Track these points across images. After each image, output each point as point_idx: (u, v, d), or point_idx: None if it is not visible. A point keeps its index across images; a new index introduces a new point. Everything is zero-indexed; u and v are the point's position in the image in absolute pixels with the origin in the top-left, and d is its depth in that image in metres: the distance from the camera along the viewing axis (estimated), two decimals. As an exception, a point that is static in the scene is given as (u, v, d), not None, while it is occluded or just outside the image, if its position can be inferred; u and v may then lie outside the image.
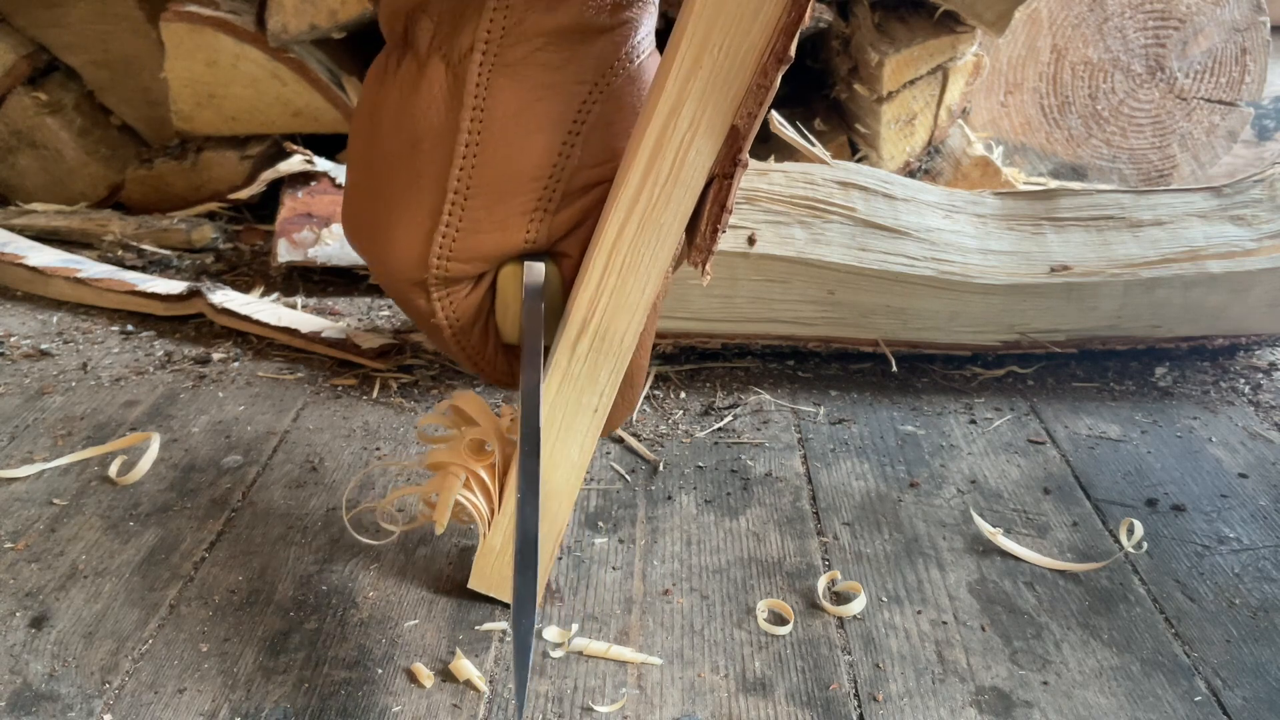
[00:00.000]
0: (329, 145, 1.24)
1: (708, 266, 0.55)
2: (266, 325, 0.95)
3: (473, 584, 0.63)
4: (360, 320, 1.01)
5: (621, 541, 0.70)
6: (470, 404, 0.60)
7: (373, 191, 0.58)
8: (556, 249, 0.58)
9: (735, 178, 0.53)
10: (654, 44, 0.58)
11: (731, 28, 0.49)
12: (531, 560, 0.53)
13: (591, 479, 0.76)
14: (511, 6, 0.53)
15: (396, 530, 0.65)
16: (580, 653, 0.60)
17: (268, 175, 1.16)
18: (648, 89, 0.56)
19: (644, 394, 0.88)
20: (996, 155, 1.26)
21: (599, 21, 0.54)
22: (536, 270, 0.58)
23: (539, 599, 0.62)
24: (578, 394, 0.58)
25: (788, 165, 0.95)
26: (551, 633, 0.61)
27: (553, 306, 0.59)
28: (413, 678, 0.58)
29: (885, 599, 0.65)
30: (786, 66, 0.50)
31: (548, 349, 0.58)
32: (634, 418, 0.85)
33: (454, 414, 0.61)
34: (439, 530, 0.58)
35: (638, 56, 0.56)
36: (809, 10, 0.49)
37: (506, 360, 0.63)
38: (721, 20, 0.49)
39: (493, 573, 0.62)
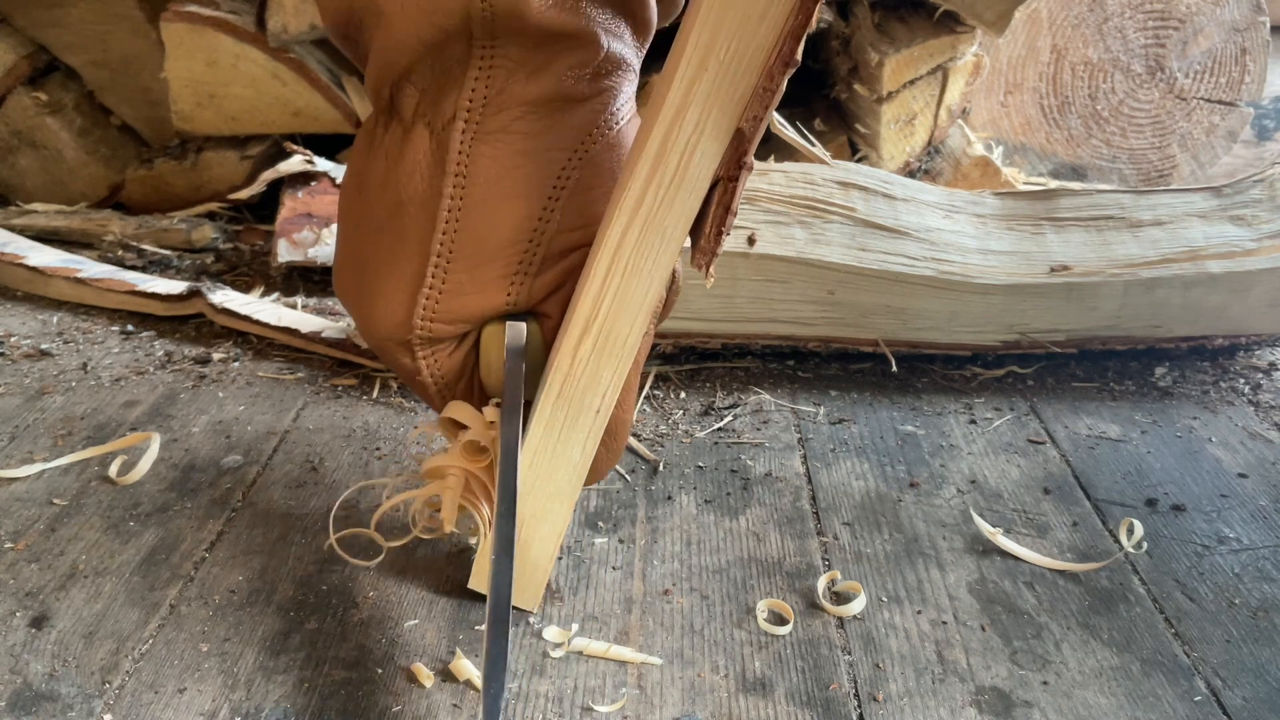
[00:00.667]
0: (329, 145, 1.24)
1: (712, 269, 0.55)
2: (266, 325, 0.95)
3: (473, 584, 0.63)
4: (360, 320, 1.01)
5: (621, 541, 0.70)
6: (462, 412, 0.61)
7: (360, 254, 0.60)
8: (537, 309, 0.60)
9: (740, 180, 0.53)
10: (634, 109, 0.60)
11: (738, 31, 0.49)
12: (504, 623, 0.52)
13: (591, 479, 0.76)
14: (493, 76, 0.55)
15: (388, 545, 0.65)
16: (580, 653, 0.60)
17: (268, 175, 1.16)
18: (627, 154, 0.57)
19: (641, 397, 0.88)
20: (996, 155, 1.26)
21: (578, 90, 0.56)
22: (518, 330, 0.59)
23: (538, 601, 0.62)
24: (580, 394, 0.58)
25: (788, 165, 0.95)
26: (551, 633, 0.61)
27: (534, 365, 0.60)
28: (413, 678, 0.58)
29: (885, 599, 0.65)
30: (793, 70, 0.50)
31: (529, 406, 0.59)
32: (633, 418, 0.85)
33: (446, 425, 0.62)
34: (448, 528, 0.58)
35: (617, 124, 0.58)
36: (815, 14, 0.49)
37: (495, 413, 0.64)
38: (728, 23, 0.49)
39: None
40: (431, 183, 0.57)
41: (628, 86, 0.59)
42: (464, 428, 0.60)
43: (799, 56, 0.49)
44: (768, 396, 0.89)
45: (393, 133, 0.58)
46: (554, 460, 0.59)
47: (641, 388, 0.89)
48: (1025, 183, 1.25)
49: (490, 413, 0.61)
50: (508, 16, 0.53)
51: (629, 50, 0.58)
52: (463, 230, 0.57)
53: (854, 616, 0.63)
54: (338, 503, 0.71)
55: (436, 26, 0.54)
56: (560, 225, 0.58)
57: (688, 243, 0.56)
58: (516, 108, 0.56)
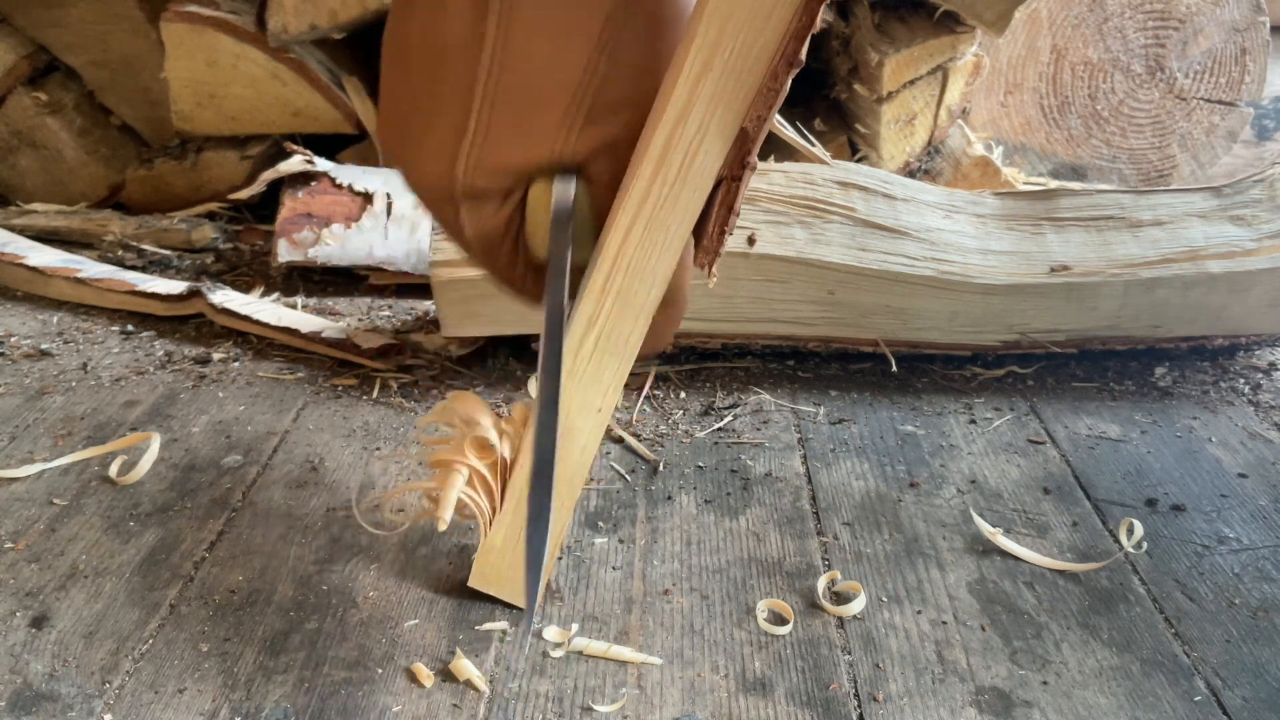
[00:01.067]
0: (329, 145, 1.24)
1: (714, 268, 0.55)
2: (266, 325, 0.95)
3: (473, 582, 0.63)
4: (360, 320, 1.01)
5: (621, 541, 0.70)
6: (469, 404, 0.60)
7: (403, 105, 0.57)
8: (586, 168, 0.57)
9: (743, 180, 0.53)
10: None
11: (743, 31, 0.49)
12: (547, 478, 0.52)
13: (591, 479, 0.76)
14: None
15: (404, 524, 0.65)
16: (580, 653, 0.60)
17: (268, 175, 1.16)
18: (681, 4, 0.54)
19: (642, 397, 0.88)
20: (996, 155, 1.26)
21: None
22: (565, 189, 0.56)
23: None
24: (583, 394, 0.57)
25: (788, 165, 0.95)
26: (551, 633, 0.61)
27: (581, 226, 0.57)
28: (413, 678, 0.58)
29: (885, 599, 0.65)
30: (797, 70, 0.50)
31: (576, 269, 0.57)
32: (634, 418, 0.85)
33: (453, 414, 0.61)
34: (442, 526, 0.58)
35: None
36: (820, 15, 0.49)
37: (537, 279, 0.61)
38: (733, 23, 0.49)
39: (493, 571, 0.62)
40: (473, 26, 0.54)
41: None
42: (471, 420, 0.60)
43: (803, 57, 0.49)
44: (768, 396, 0.89)
45: None
46: (557, 458, 0.59)
47: (641, 388, 0.89)
48: (1025, 183, 1.25)
49: (518, 411, 0.60)
50: None
51: None
52: (505, 76, 0.54)
53: (854, 616, 0.63)
54: (356, 486, 0.71)
55: None
56: (608, 74, 0.54)
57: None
58: None
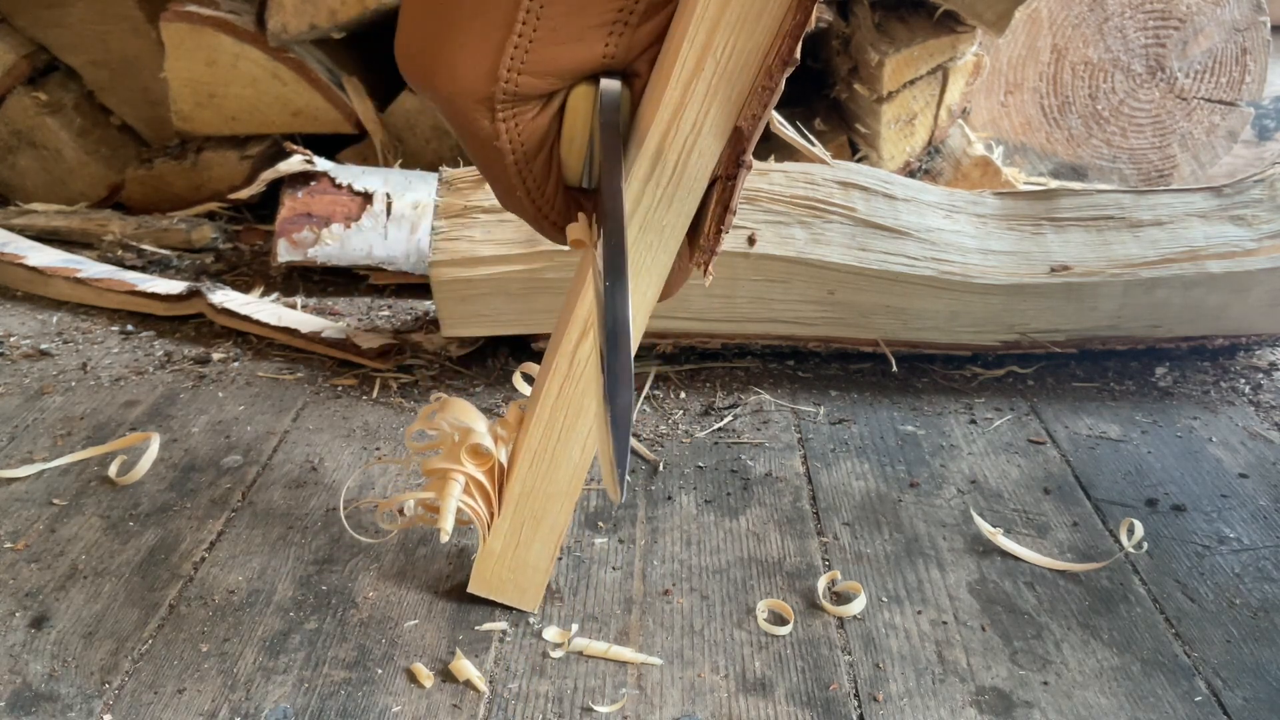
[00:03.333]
0: (329, 145, 1.24)
1: (710, 268, 0.55)
2: (266, 325, 0.95)
3: (473, 588, 0.63)
4: (360, 320, 1.01)
5: (621, 541, 0.70)
6: (460, 410, 0.60)
7: (435, 8, 0.53)
8: (632, 68, 0.54)
9: (739, 179, 0.52)
10: None
11: (735, 30, 0.49)
12: (625, 341, 0.48)
13: (592, 479, 0.76)
14: None
15: (394, 530, 0.65)
16: (580, 653, 0.60)
17: (268, 175, 1.15)
18: None
19: (642, 397, 0.88)
20: (996, 155, 1.26)
21: None
22: (613, 88, 0.53)
23: (538, 601, 0.62)
24: (579, 395, 0.57)
25: (788, 165, 0.95)
26: (551, 633, 0.61)
27: (624, 128, 0.55)
28: (413, 678, 0.58)
29: (885, 599, 0.65)
30: (792, 69, 0.49)
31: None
32: (633, 418, 0.85)
33: (442, 420, 0.61)
34: (444, 537, 0.57)
35: None
36: (814, 13, 0.48)
37: (564, 203, 0.58)
38: (724, 23, 0.49)
39: (492, 577, 0.62)
40: None
41: None
42: (463, 426, 0.60)
43: (798, 55, 0.49)
44: (768, 396, 0.89)
45: None
46: (554, 461, 0.59)
47: (641, 388, 0.89)
48: (1025, 183, 1.25)
49: (512, 413, 0.60)
50: None
51: None
52: None
53: (854, 616, 0.63)
54: (347, 486, 0.71)
55: None
56: None
57: None
58: None
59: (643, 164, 0.52)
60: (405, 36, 0.55)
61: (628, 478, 0.76)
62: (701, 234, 0.54)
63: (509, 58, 0.52)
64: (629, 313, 0.49)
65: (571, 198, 0.57)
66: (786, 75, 0.50)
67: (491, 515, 0.60)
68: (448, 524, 0.57)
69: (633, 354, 0.55)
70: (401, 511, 0.69)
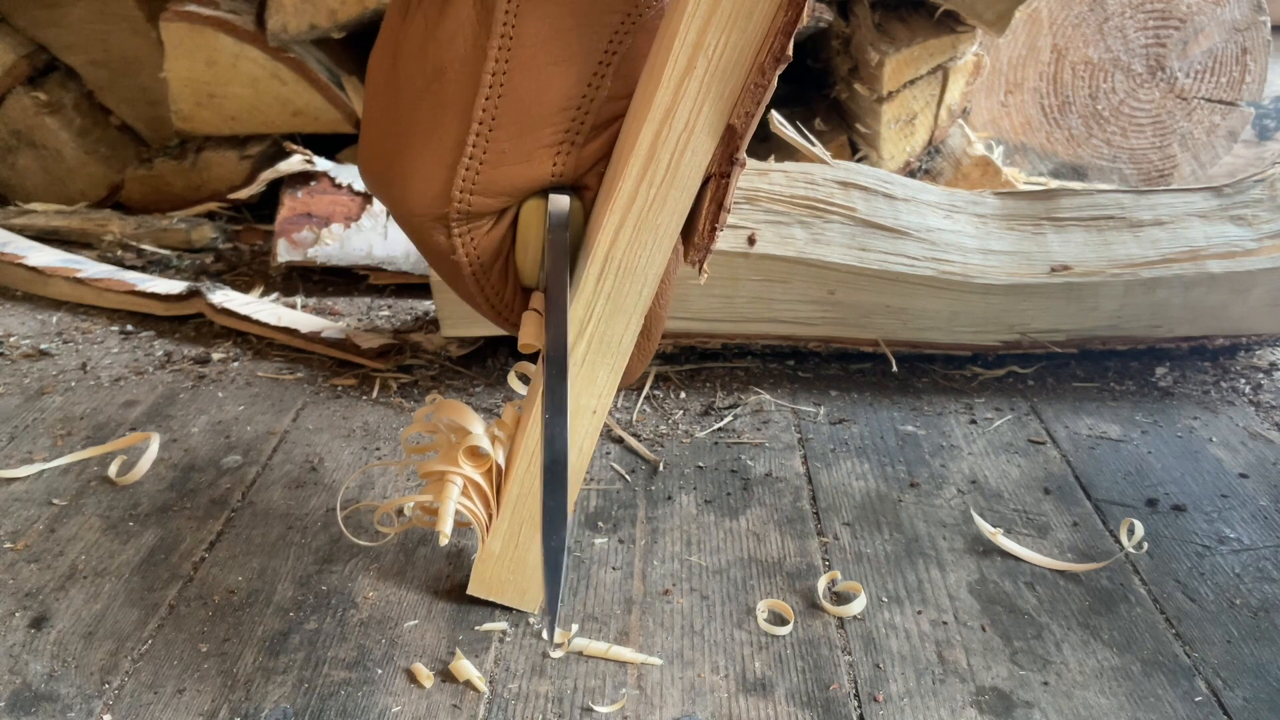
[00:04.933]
0: (329, 145, 1.24)
1: (705, 266, 0.55)
2: (266, 325, 0.95)
3: (472, 590, 0.63)
4: (360, 320, 1.01)
5: (621, 541, 0.70)
6: (456, 411, 0.60)
7: (393, 126, 0.56)
8: (581, 183, 0.57)
9: (733, 177, 0.52)
10: None
11: (726, 28, 0.49)
12: (561, 479, 0.51)
13: (591, 479, 0.76)
14: None
15: (392, 533, 0.64)
16: (580, 653, 0.60)
17: (267, 175, 1.16)
18: None
19: (642, 397, 0.88)
20: (997, 155, 1.26)
21: None
22: (561, 203, 0.56)
23: (539, 601, 0.62)
24: (576, 397, 0.57)
25: (788, 165, 0.95)
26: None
27: (574, 239, 0.57)
28: (413, 678, 0.58)
29: (885, 599, 0.65)
30: (784, 66, 0.49)
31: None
32: (634, 418, 0.85)
33: (438, 422, 0.61)
34: (444, 541, 0.57)
35: None
36: (806, 9, 0.48)
37: (523, 304, 0.60)
38: (715, 21, 0.49)
39: (492, 578, 0.62)
40: (475, 44, 0.53)
41: None
42: (459, 428, 0.60)
43: (790, 52, 0.49)
44: (768, 396, 0.89)
45: None
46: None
47: (641, 388, 0.89)
48: (1025, 183, 1.25)
49: (508, 414, 0.60)
50: None
51: None
52: (508, 95, 0.53)
53: (854, 617, 0.63)
54: (342, 492, 0.71)
55: None
56: (611, 92, 0.54)
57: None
58: None
59: (636, 161, 0.52)
60: (364, 153, 0.58)
61: (629, 475, 0.76)
62: (696, 232, 0.54)
63: (460, 179, 0.54)
64: (567, 448, 0.51)
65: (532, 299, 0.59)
66: (779, 72, 0.50)
67: (490, 517, 0.60)
68: (446, 526, 0.57)
69: (573, 489, 0.57)
70: (401, 512, 0.69)
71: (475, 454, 0.59)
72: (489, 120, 0.54)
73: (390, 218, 0.57)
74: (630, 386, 0.89)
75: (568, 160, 0.55)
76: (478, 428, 0.59)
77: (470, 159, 0.54)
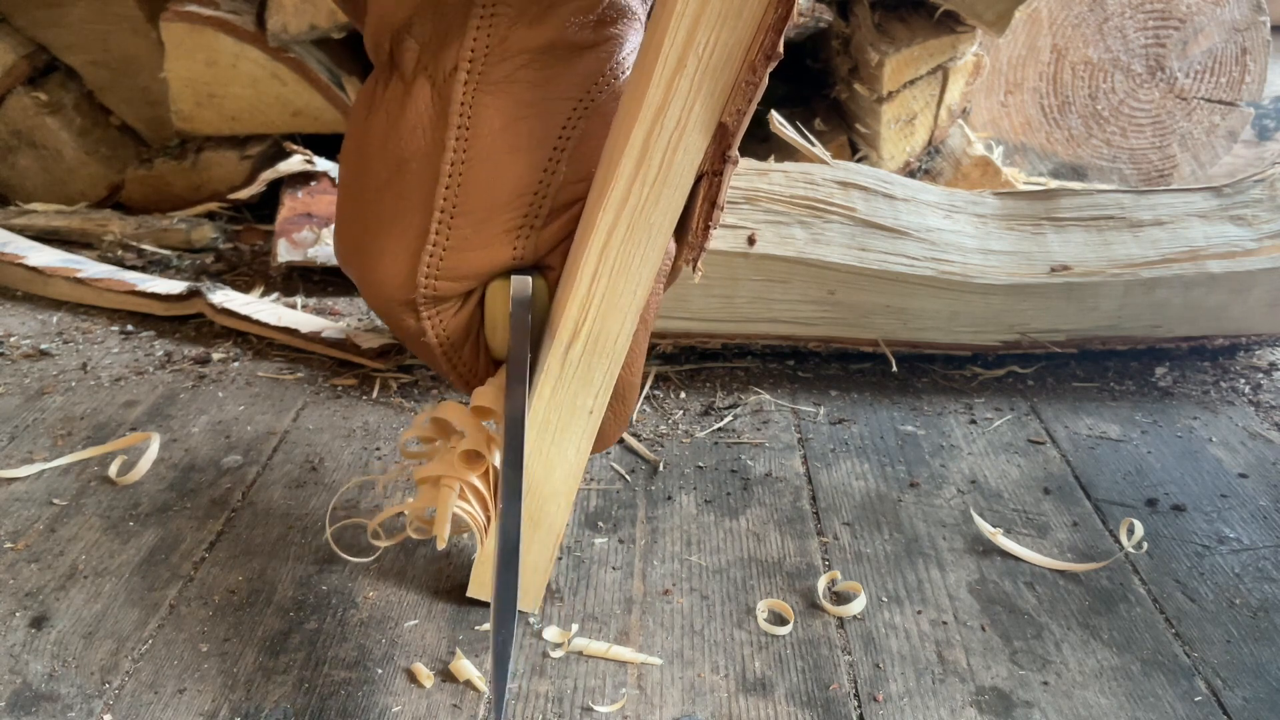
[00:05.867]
0: (329, 145, 1.24)
1: (699, 264, 0.55)
2: (266, 325, 0.95)
3: (472, 592, 0.63)
4: (360, 320, 1.01)
5: (621, 541, 0.70)
6: (455, 414, 0.60)
7: (361, 215, 0.59)
8: (542, 262, 0.59)
9: (725, 175, 0.52)
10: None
11: (716, 25, 0.49)
12: (512, 568, 0.52)
13: (591, 479, 0.76)
14: (495, 25, 0.54)
15: (386, 545, 0.64)
16: (580, 653, 0.60)
17: (268, 175, 1.16)
18: None
19: (641, 398, 0.88)
20: (996, 155, 1.26)
21: (582, 38, 0.55)
22: (523, 284, 0.58)
23: (538, 601, 0.62)
24: (572, 397, 0.57)
25: (788, 165, 0.95)
26: (551, 633, 0.61)
27: (539, 318, 0.59)
28: (413, 678, 0.58)
29: (885, 599, 0.65)
30: (775, 63, 0.50)
31: (535, 361, 0.58)
32: (634, 418, 0.85)
33: (435, 426, 0.61)
34: (441, 545, 0.57)
35: (622, 72, 0.57)
36: (796, 6, 0.48)
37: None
38: (705, 19, 0.49)
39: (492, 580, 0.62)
40: (434, 136, 0.55)
41: (633, 35, 0.57)
42: (455, 431, 0.60)
43: (781, 49, 0.49)
44: (768, 396, 0.89)
45: (393, 88, 0.56)
46: (549, 462, 0.59)
47: (641, 388, 0.89)
48: (1025, 183, 1.25)
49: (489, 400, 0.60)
50: None
51: None
52: (467, 184, 0.55)
53: (854, 616, 0.63)
54: (334, 500, 0.71)
55: None
56: (567, 177, 0.56)
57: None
58: (519, 56, 0.54)
59: (628, 160, 0.52)
60: (338, 240, 0.61)
61: (629, 475, 0.76)
62: (690, 231, 0.54)
63: (425, 266, 0.57)
64: (519, 536, 0.53)
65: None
66: (770, 70, 0.50)
67: (489, 519, 0.60)
68: (444, 531, 0.57)
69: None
70: (399, 516, 0.69)
71: (472, 457, 0.59)
72: (450, 209, 0.56)
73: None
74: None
75: (527, 244, 0.57)
76: (473, 431, 0.59)
77: (434, 246, 0.56)
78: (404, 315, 0.59)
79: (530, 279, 0.58)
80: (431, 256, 0.56)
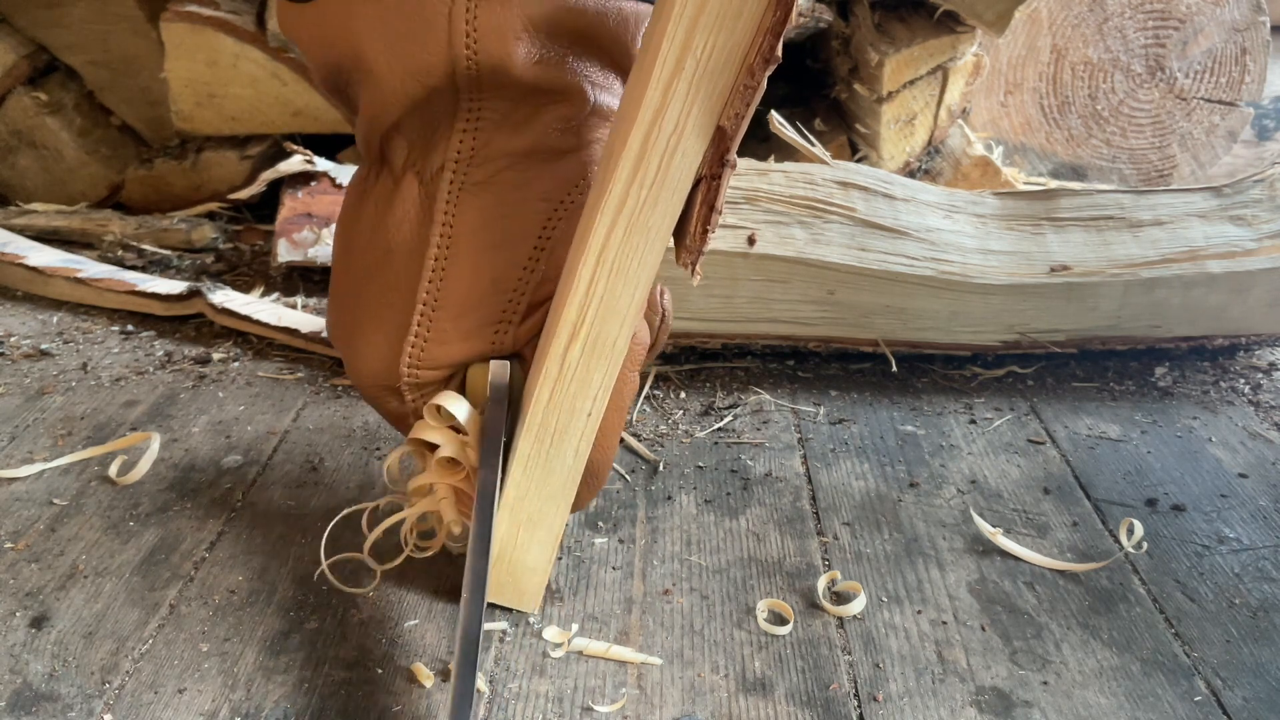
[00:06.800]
0: (329, 145, 1.24)
1: (698, 268, 0.55)
2: (266, 325, 0.95)
3: None
4: (360, 320, 1.01)
5: (621, 541, 0.70)
6: (430, 433, 0.61)
7: (350, 299, 0.61)
8: (522, 353, 0.61)
9: (723, 178, 0.52)
10: None
11: (714, 29, 0.49)
12: (471, 662, 0.51)
13: (591, 479, 0.76)
14: (480, 129, 0.56)
15: (375, 582, 0.64)
16: (580, 653, 0.60)
17: (268, 175, 1.16)
18: None
19: (641, 397, 0.88)
20: (996, 155, 1.26)
21: (564, 143, 0.57)
22: (500, 372, 0.60)
23: (538, 601, 0.62)
24: (571, 399, 0.57)
25: (788, 165, 0.95)
26: (551, 633, 0.61)
27: (514, 394, 0.61)
28: (413, 678, 0.58)
29: (885, 599, 0.65)
30: (774, 67, 0.50)
31: (509, 445, 0.60)
32: (634, 418, 0.85)
33: (418, 448, 0.62)
34: (441, 538, 0.58)
35: None
36: (795, 9, 0.48)
37: None
38: (702, 23, 0.49)
39: (491, 581, 0.62)
40: (419, 231, 0.58)
41: None
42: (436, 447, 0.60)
43: (779, 53, 0.49)
44: (768, 396, 0.89)
45: (383, 182, 0.59)
46: (548, 465, 0.59)
47: (641, 388, 0.89)
48: (1025, 183, 1.25)
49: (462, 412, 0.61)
50: (492, 72, 0.55)
51: (616, 102, 0.59)
52: (449, 279, 0.58)
53: (854, 616, 0.63)
54: (328, 531, 0.66)
55: (423, 84, 0.55)
56: (545, 274, 0.59)
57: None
58: (502, 159, 0.57)
59: (626, 164, 0.52)
60: (330, 318, 0.63)
61: (629, 475, 0.76)
62: (688, 234, 0.54)
63: (408, 355, 0.59)
64: (480, 630, 0.53)
65: None
66: (769, 73, 0.50)
67: None
68: (452, 523, 0.58)
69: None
70: (398, 538, 0.69)
71: (449, 464, 0.60)
72: (432, 302, 0.58)
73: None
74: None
75: (505, 338, 0.60)
76: (444, 438, 0.60)
77: (416, 338, 0.59)
78: (388, 398, 0.61)
79: (507, 366, 0.60)
80: (414, 347, 0.59)
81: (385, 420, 0.65)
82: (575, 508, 0.63)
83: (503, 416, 0.59)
